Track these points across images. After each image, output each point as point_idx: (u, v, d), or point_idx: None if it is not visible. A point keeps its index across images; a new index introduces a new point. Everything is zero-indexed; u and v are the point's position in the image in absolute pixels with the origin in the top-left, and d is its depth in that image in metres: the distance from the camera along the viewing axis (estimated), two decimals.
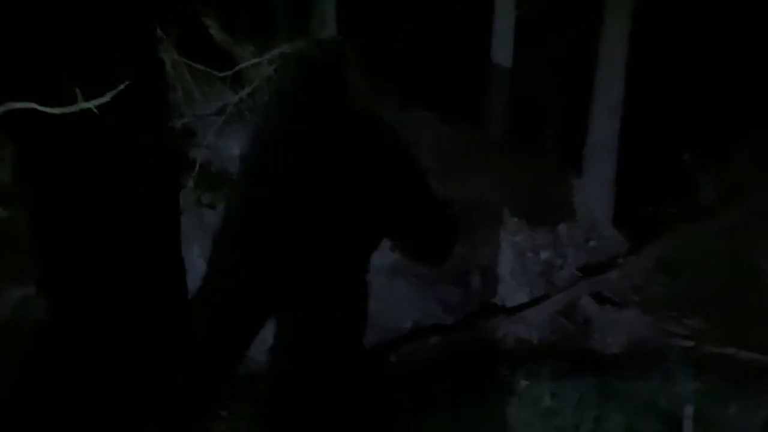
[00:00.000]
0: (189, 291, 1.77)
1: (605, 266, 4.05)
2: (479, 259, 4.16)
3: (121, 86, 1.22)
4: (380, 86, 4.25)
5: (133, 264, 1.51)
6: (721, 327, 3.63)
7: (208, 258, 1.94)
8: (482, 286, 4.17)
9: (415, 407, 2.91)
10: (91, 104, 1.20)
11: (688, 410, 2.56)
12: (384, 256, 4.15)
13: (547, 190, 4.65)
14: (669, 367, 3.17)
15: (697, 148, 5.35)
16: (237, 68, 3.86)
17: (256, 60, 3.94)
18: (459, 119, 4.78)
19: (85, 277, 1.45)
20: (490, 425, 2.84)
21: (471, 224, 4.22)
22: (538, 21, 6.01)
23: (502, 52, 5.60)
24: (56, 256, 1.47)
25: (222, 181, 4.03)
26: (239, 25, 4.49)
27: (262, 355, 1.90)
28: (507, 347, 3.87)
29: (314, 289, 1.83)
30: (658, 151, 5.82)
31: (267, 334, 1.88)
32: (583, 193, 4.79)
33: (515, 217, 4.29)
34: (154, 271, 1.55)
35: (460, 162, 4.38)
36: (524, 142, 5.60)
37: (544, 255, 4.11)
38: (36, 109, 1.20)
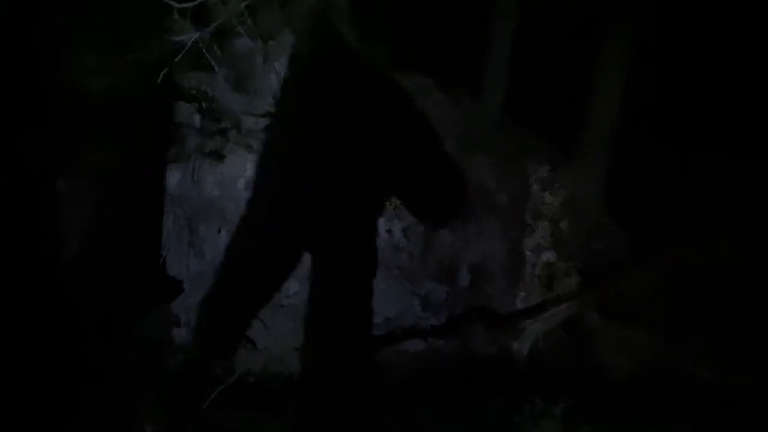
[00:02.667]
0: None
1: (613, 273, 3.51)
2: (469, 254, 3.60)
3: None
4: (372, 45, 3.55)
5: None
6: (744, 354, 3.13)
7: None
8: (470, 286, 3.61)
9: None
10: None
11: None
12: None
13: (549, 179, 4.07)
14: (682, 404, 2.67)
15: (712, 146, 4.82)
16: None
17: None
18: (458, 86, 4.16)
19: None
20: None
21: (468, 208, 3.64)
22: None
23: (506, 17, 5.01)
24: None
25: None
26: None
27: None
28: (494, 360, 3.33)
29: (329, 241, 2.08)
30: (666, 144, 5.28)
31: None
32: (587, 185, 4.22)
33: (513, 210, 3.72)
34: None
35: (456, 140, 3.77)
36: (523, 121, 4.97)
37: (546, 256, 3.55)
38: None
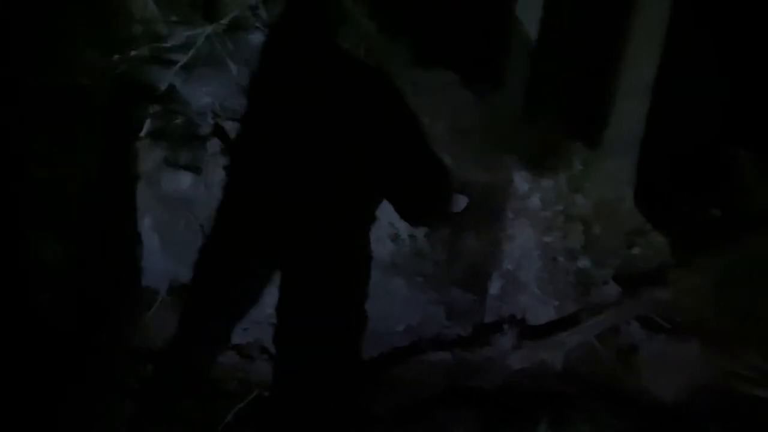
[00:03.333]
0: None
1: (654, 280, 3.26)
2: (498, 260, 3.37)
3: None
4: (392, 37, 3.32)
5: None
6: None
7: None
8: (500, 294, 3.39)
9: None
10: None
11: None
12: (383, 247, 3.35)
13: (580, 179, 3.83)
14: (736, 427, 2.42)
15: (752, 143, 4.54)
16: None
17: None
18: (482, 82, 3.94)
19: None
20: None
21: (491, 215, 3.42)
22: None
23: (530, 10, 4.77)
24: None
25: (187, 137, 3.20)
26: None
27: None
28: (525, 374, 3.10)
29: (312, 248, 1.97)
30: (696, 141, 5.00)
31: None
32: (620, 185, 3.96)
33: (544, 212, 3.48)
34: None
35: (480, 138, 3.55)
36: (546, 116, 4.71)
37: (581, 263, 3.31)
38: None
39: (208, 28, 2.83)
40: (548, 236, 3.37)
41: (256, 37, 3.21)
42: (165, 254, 3.19)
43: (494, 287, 3.38)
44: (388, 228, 3.33)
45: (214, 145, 3.19)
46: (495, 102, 3.77)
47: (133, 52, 2.73)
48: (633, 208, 3.79)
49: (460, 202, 3.51)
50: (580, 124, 4.48)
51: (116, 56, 2.70)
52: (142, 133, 2.82)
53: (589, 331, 3.04)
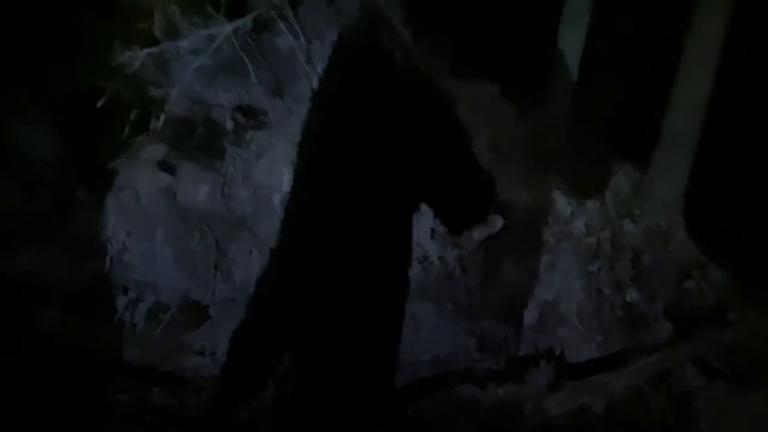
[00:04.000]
0: None
1: (712, 319, 2.92)
2: (537, 289, 3.07)
3: None
4: (430, 47, 3.10)
5: None
6: None
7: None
8: (538, 327, 3.08)
9: None
10: None
11: None
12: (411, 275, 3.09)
13: (628, 204, 3.51)
14: None
15: None
16: None
17: None
18: (524, 96, 3.66)
19: None
20: None
21: (530, 240, 3.12)
22: None
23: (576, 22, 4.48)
24: None
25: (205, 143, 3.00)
26: None
27: None
28: (562, 419, 2.79)
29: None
30: (759, 163, 4.59)
31: None
32: (673, 211, 3.62)
33: (589, 237, 3.17)
34: None
35: (521, 155, 3.27)
36: (592, 134, 4.37)
37: (630, 296, 2.99)
38: None
39: (229, 27, 2.63)
40: (593, 265, 3.06)
41: (282, 42, 3.02)
42: (178, 269, 3.00)
43: (531, 318, 3.08)
44: (417, 249, 3.07)
45: (234, 152, 2.99)
46: (537, 118, 3.48)
47: (150, 50, 2.54)
48: (687, 238, 3.44)
49: (497, 222, 3.26)
50: (629, 143, 4.16)
51: (130, 54, 2.51)
52: (154, 133, 2.62)
53: (637, 373, 2.71)
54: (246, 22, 2.66)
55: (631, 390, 2.69)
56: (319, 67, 2.98)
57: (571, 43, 4.56)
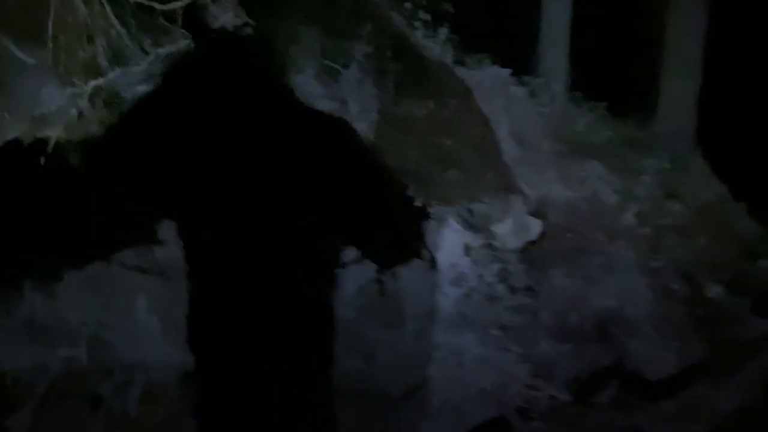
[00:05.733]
0: None
1: None
2: (597, 295, 2.61)
3: None
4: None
5: None
6: None
7: None
8: (601, 340, 2.63)
9: None
10: None
11: None
12: (444, 297, 2.63)
13: (673, 182, 3.08)
14: None
15: None
16: None
17: None
18: (538, 78, 3.23)
19: None
20: None
21: (578, 241, 2.67)
22: None
23: None
24: None
25: None
26: None
27: None
28: None
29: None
30: None
31: None
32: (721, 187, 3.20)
33: (643, 227, 2.73)
34: None
35: (549, 143, 2.82)
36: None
37: (710, 291, 2.55)
38: None
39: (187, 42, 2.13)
40: (656, 260, 2.61)
41: None
42: (167, 339, 2.49)
43: (593, 332, 2.63)
44: (450, 270, 2.61)
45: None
46: (559, 101, 3.05)
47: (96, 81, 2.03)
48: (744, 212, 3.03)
49: (534, 226, 2.81)
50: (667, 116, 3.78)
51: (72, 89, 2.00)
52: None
53: (736, 383, 2.27)
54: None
55: (733, 405, 2.24)
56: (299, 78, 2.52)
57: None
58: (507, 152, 2.61)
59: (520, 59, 3.38)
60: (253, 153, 2.23)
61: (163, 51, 2.15)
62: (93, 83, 2.02)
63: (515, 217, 2.68)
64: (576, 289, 2.62)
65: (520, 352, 2.69)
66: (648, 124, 3.53)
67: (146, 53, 2.32)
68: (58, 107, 2.14)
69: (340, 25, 2.58)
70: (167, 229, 2.31)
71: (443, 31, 2.76)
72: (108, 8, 2.16)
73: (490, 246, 2.67)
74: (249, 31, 2.41)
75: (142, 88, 2.14)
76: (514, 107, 2.82)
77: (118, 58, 2.30)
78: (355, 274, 2.62)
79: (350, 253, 2.61)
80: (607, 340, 2.63)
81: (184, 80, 2.30)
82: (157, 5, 2.18)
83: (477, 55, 2.84)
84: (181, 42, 2.15)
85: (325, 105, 2.58)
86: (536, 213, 2.70)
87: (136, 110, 2.23)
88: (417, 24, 2.67)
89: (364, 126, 2.52)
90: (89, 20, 2.23)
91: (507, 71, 2.90)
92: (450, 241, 2.59)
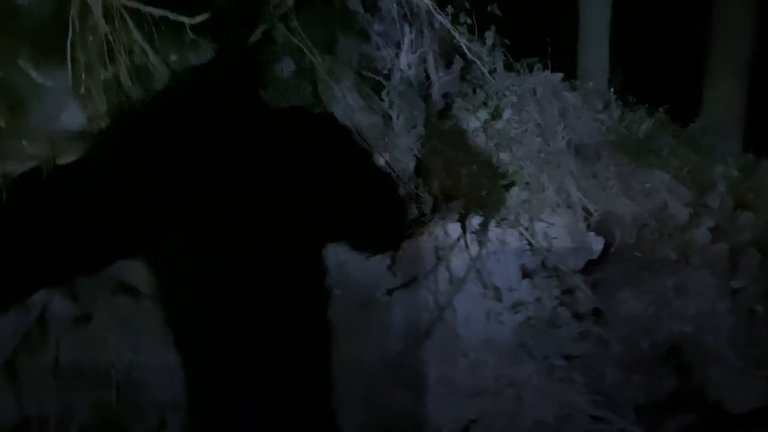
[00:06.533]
0: None
1: None
2: (671, 320, 2.36)
3: None
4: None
5: None
6: None
7: None
8: (676, 368, 2.38)
9: None
10: None
11: None
12: (499, 325, 2.40)
13: (742, 191, 2.81)
14: None
15: None
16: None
17: None
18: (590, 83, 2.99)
19: None
20: None
21: (647, 260, 2.42)
22: None
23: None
24: None
25: None
26: None
27: None
28: None
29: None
30: None
31: None
32: None
33: (718, 243, 2.48)
34: None
35: (611, 154, 2.58)
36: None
37: None
38: None
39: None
40: (737, 279, 2.36)
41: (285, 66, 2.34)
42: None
43: (666, 360, 2.38)
44: (507, 296, 2.38)
45: None
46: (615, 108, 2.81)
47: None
48: None
49: (596, 244, 2.57)
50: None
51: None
52: None
53: None
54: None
55: None
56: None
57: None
58: (565, 164, 2.38)
59: (568, 62, 3.17)
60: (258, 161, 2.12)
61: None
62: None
63: (575, 235, 2.45)
64: (646, 312, 2.38)
65: (584, 382, 2.45)
66: (709, 129, 3.30)
67: (171, 70, 2.15)
68: (79, 130, 1.98)
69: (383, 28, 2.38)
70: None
71: (489, 35, 2.54)
72: (130, 23, 1.99)
73: (549, 268, 2.44)
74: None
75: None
76: (570, 114, 2.59)
77: (141, 77, 2.14)
78: (403, 301, 2.40)
79: (396, 278, 2.40)
80: (683, 368, 2.38)
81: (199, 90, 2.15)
82: (185, 19, 2.00)
83: (526, 60, 2.61)
84: (210, 56, 1.97)
85: (365, 119, 2.38)
86: (599, 230, 2.47)
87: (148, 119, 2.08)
88: (460, 28, 2.44)
89: (409, 141, 2.32)
90: (111, 37, 2.07)
91: (558, 75, 2.67)
92: (507, 265, 2.37)
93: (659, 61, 5.03)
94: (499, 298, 2.37)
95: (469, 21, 2.58)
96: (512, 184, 2.12)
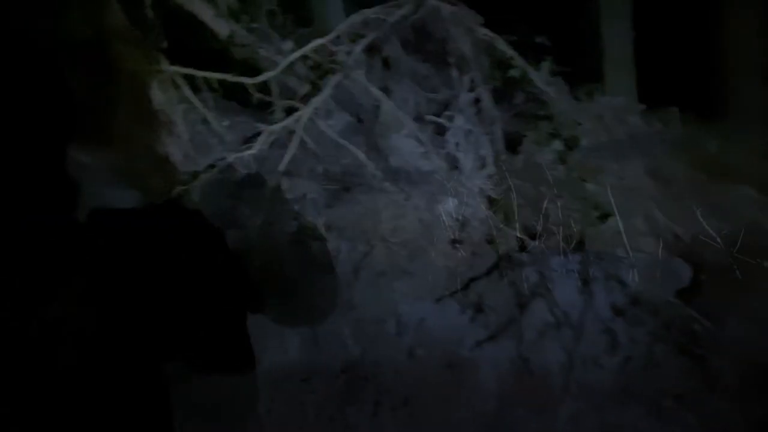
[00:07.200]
0: None
1: None
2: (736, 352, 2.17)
3: None
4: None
5: None
6: None
7: None
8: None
9: None
10: None
11: None
12: (595, 368, 2.22)
13: None
14: None
15: None
16: (280, 68, 2.03)
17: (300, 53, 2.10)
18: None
19: None
20: None
21: (749, 284, 2.25)
22: None
23: None
24: None
25: None
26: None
27: None
28: None
29: None
30: None
31: None
32: None
33: None
34: None
35: (689, 173, 2.44)
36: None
37: None
38: None
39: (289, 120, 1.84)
40: None
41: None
42: None
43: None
44: (601, 337, 2.20)
45: None
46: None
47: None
48: None
49: (684, 271, 2.40)
50: None
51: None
52: None
53: None
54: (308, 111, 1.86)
55: None
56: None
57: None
58: (646, 189, 2.24)
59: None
60: None
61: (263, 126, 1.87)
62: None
63: (665, 263, 2.29)
64: (756, 338, 2.19)
65: (695, 422, 2.25)
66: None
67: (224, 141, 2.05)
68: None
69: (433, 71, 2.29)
70: None
71: (545, 65, 2.44)
72: (187, 90, 1.90)
73: (639, 301, 2.27)
74: None
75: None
76: (638, 137, 2.46)
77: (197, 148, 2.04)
78: (490, 354, 2.24)
79: (481, 330, 2.24)
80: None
81: None
82: (248, 81, 1.90)
83: (586, 86, 2.51)
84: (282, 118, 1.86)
85: (428, 165, 2.27)
86: (689, 254, 2.31)
87: None
88: (517, 61, 2.35)
89: (479, 181, 2.19)
90: (166, 108, 1.98)
91: (619, 99, 2.56)
92: (598, 302, 2.21)
93: (685, 72, 4.91)
94: (593, 340, 2.20)
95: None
96: (608, 215, 1.98)
